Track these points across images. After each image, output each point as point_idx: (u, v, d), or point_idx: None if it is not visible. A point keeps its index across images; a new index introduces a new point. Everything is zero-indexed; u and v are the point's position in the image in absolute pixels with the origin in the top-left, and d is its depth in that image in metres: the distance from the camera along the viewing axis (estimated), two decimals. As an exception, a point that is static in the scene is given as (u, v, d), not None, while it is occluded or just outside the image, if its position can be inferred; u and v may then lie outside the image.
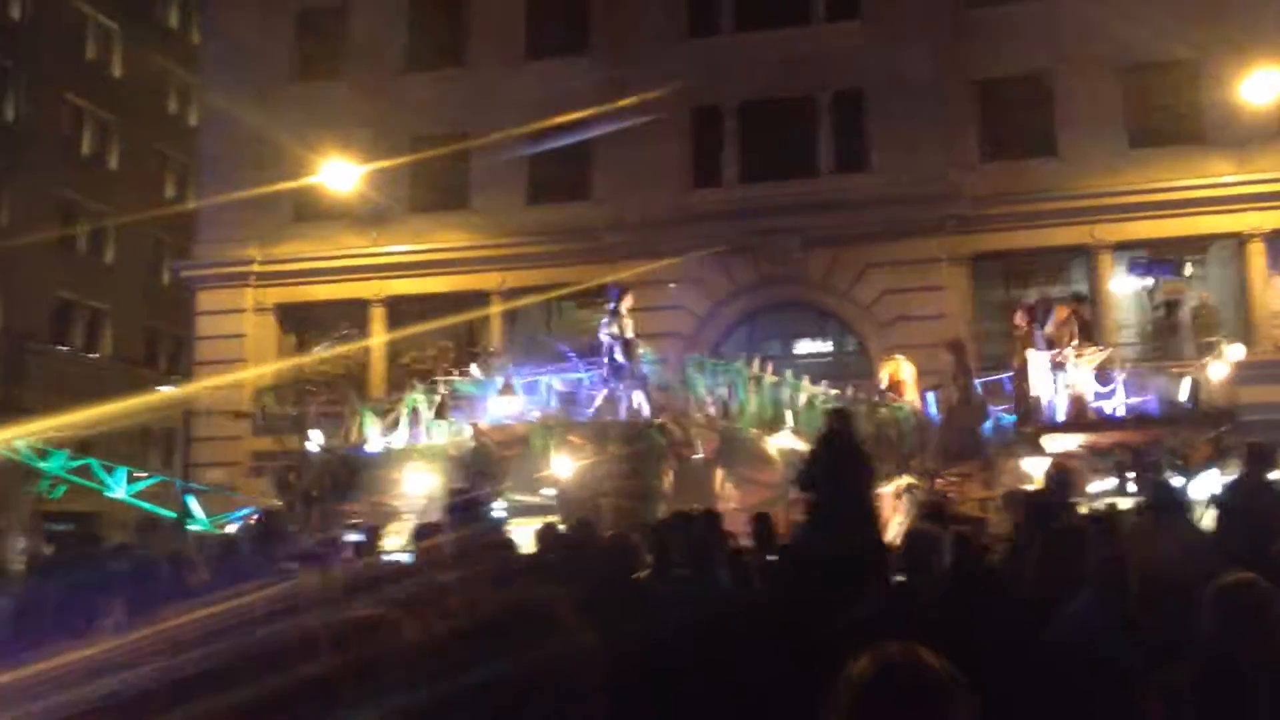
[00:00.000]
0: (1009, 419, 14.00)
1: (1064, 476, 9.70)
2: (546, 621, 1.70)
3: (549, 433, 12.25)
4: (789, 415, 13.37)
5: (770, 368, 14.10)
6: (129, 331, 32.68)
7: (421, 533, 7.27)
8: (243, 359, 22.39)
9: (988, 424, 13.89)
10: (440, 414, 13.59)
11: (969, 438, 13.29)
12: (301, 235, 22.83)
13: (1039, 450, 12.93)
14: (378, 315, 22.62)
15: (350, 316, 22.32)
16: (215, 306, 23.10)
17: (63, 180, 31.23)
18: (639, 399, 12.62)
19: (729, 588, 6.72)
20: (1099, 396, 14.05)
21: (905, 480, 12.81)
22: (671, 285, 19.61)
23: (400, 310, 22.49)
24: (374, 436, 13.79)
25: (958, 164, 20.38)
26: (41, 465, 15.64)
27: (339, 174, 21.11)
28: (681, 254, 20.43)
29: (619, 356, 12.76)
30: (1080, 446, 13.46)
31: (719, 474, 12.75)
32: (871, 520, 8.92)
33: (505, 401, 13.24)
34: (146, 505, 16.65)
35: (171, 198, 32.71)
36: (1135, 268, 19.17)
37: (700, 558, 6.70)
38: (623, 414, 12.53)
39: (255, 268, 22.87)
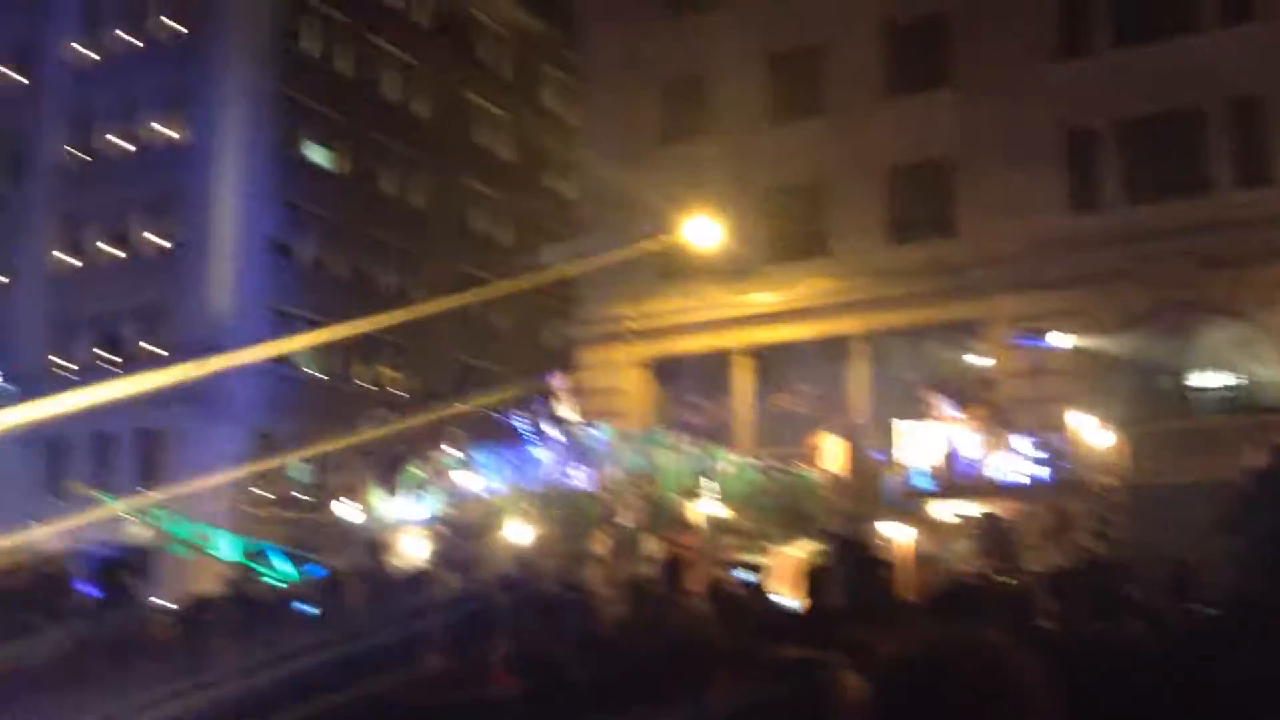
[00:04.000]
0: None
1: None
2: (993, 662, 1.55)
3: (508, 504, 13.90)
4: (706, 482, 14.27)
5: (688, 438, 15.12)
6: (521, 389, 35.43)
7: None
8: (622, 412, 23.53)
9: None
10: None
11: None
12: (669, 291, 23.78)
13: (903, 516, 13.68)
14: (742, 365, 23.02)
15: (715, 367, 22.92)
16: (595, 363, 24.51)
17: (461, 256, 34.68)
18: (578, 471, 13.98)
19: (1147, 642, 6.07)
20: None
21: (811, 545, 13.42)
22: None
23: (765, 359, 22.78)
24: (381, 506, 15.32)
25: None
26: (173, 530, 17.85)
27: (702, 230, 21.82)
28: (1059, 286, 19.24)
29: (558, 434, 14.44)
30: (957, 516, 14.00)
31: (645, 539, 13.51)
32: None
33: (468, 477, 14.82)
34: (250, 564, 18.04)
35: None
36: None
37: (1109, 608, 6.15)
38: (563, 485, 14.04)
39: (629, 325, 24.06)
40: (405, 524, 14.77)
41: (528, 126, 37.48)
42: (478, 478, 14.91)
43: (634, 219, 23.56)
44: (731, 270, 22.68)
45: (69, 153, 31.84)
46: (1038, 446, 14.77)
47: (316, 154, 31.93)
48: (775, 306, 22.50)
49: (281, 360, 29.62)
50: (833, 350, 21.80)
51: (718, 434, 20.69)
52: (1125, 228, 19.08)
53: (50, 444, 29.14)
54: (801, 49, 23.27)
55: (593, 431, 14.86)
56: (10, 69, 33.65)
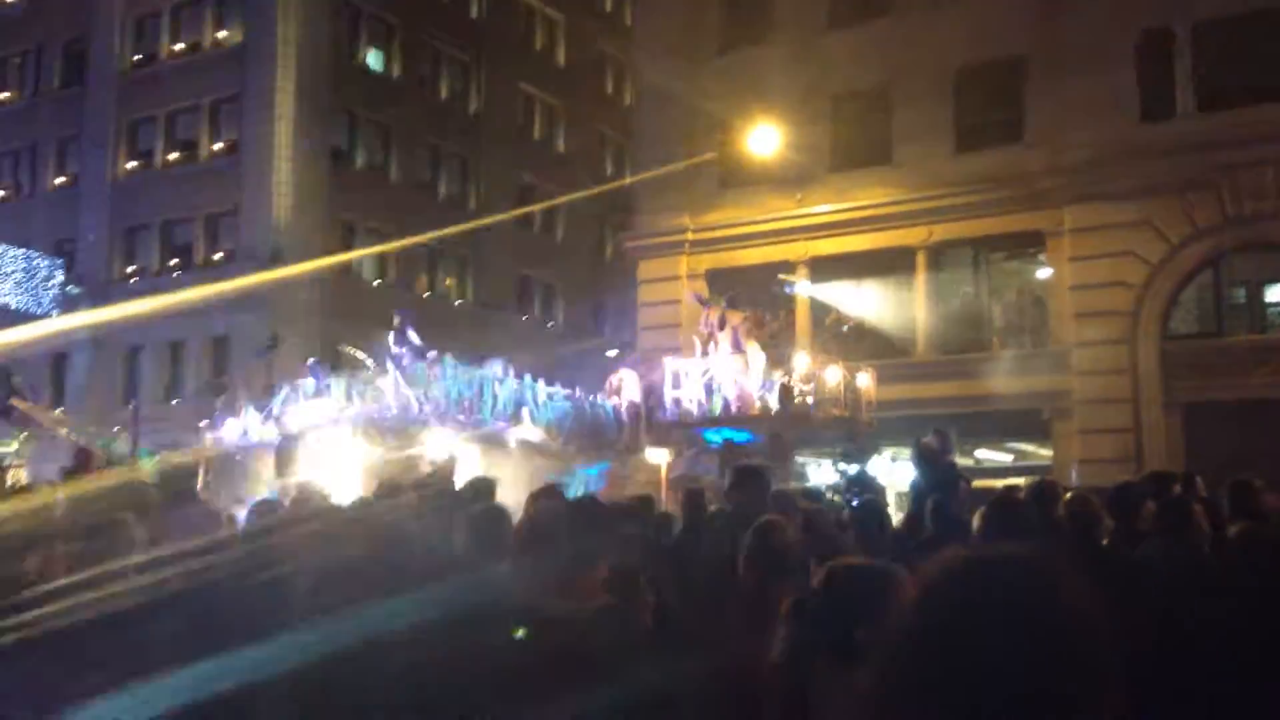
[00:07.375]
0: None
1: None
2: (1050, 586, 1.46)
3: (357, 429, 15.32)
4: (526, 412, 15.99)
5: (510, 369, 16.78)
6: (578, 302, 35.62)
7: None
8: (679, 324, 23.61)
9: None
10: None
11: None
12: (729, 201, 23.56)
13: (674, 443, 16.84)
14: (803, 276, 22.89)
15: (775, 278, 22.82)
16: (653, 275, 24.47)
17: (519, 165, 34.55)
18: (417, 401, 15.41)
19: (1213, 558, 6.09)
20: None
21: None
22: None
23: (825, 270, 22.63)
24: (253, 427, 16.83)
25: None
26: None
27: (763, 139, 21.54)
28: (1129, 196, 18.83)
29: (393, 366, 15.79)
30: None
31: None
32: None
33: (319, 404, 16.02)
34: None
35: (611, 175, 35.12)
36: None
37: (1176, 523, 6.10)
38: (402, 413, 15.44)
39: (688, 236, 23.93)
40: (267, 444, 16.19)
41: (585, 30, 36.86)
42: (331, 404, 16.23)
43: (691, 126, 23.30)
44: (792, 179, 22.41)
45: (130, 59, 31.98)
46: (778, 381, 17.17)
47: (373, 58, 31.76)
48: (837, 216, 22.22)
49: (345, 269, 29.96)
50: (895, 261, 21.59)
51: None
52: (1198, 136, 18.52)
53: (129, 352, 29.97)
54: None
55: (428, 362, 16.10)
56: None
